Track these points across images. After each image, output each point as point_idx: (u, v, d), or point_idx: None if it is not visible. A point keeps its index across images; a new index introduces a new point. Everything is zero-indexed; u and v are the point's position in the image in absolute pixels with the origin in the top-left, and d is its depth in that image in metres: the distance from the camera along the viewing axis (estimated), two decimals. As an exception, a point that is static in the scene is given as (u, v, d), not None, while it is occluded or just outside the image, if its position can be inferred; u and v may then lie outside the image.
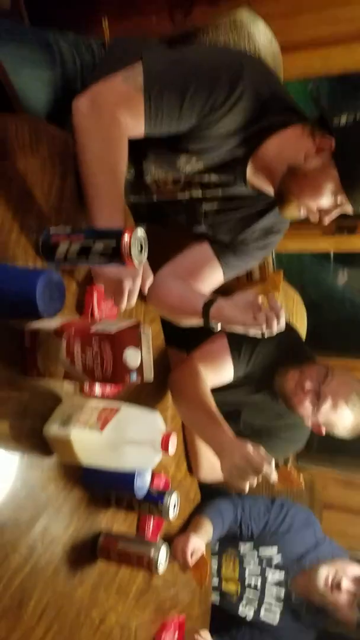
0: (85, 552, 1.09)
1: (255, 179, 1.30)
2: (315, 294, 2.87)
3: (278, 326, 1.15)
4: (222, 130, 1.19)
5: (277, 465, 1.15)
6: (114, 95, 1.09)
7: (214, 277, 1.45)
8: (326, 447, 2.57)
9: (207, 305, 1.23)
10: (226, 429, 1.28)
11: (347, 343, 2.76)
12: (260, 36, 1.47)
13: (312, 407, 1.43)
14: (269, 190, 1.30)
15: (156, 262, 1.26)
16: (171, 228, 1.47)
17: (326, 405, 1.42)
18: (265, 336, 1.17)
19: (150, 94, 1.09)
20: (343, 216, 1.26)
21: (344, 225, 2.12)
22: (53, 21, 1.54)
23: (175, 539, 1.47)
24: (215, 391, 1.44)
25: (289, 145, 1.21)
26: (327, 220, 1.24)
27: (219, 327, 1.23)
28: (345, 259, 2.73)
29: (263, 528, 1.76)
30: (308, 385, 1.44)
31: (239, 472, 1.15)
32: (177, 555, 1.42)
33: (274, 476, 1.13)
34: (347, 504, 2.63)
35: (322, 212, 1.23)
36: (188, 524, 1.58)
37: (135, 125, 1.12)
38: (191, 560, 1.42)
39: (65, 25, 1.43)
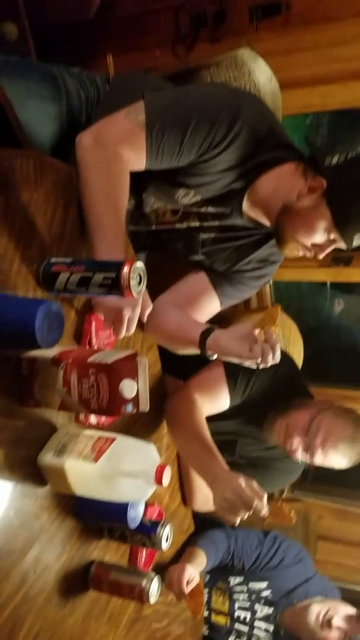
0: (77, 581, 1.09)
1: (252, 212, 1.33)
2: (313, 320, 2.89)
3: (273, 359, 1.16)
4: (220, 166, 1.23)
5: (269, 498, 1.15)
6: (116, 131, 1.12)
7: (210, 306, 1.46)
8: (321, 478, 2.56)
9: (204, 335, 1.24)
10: (220, 460, 1.29)
11: (344, 371, 2.77)
12: (260, 74, 1.51)
13: (305, 456, 1.43)
14: (266, 222, 1.32)
15: (155, 288, 1.28)
16: (170, 256, 1.49)
17: (317, 456, 1.41)
18: (260, 368, 1.18)
19: (151, 130, 1.13)
20: (339, 248, 1.29)
21: (339, 257, 2.15)
22: (59, 55, 1.59)
23: (170, 568, 1.45)
24: (211, 420, 1.45)
25: (283, 182, 1.25)
26: (321, 255, 1.27)
27: (215, 357, 1.25)
28: (342, 286, 2.76)
29: (254, 561, 1.75)
30: (295, 442, 1.42)
31: (230, 506, 1.15)
32: (172, 584, 1.41)
33: (265, 511, 1.13)
34: (342, 536, 2.62)
35: (317, 248, 1.25)
36: (181, 554, 1.57)
37: (137, 160, 1.15)
38: (186, 589, 1.41)
39: (71, 59, 1.47)
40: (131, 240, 1.28)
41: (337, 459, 1.41)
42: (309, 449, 1.41)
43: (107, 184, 1.09)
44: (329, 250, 1.26)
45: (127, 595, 1.14)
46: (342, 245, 1.24)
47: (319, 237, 1.23)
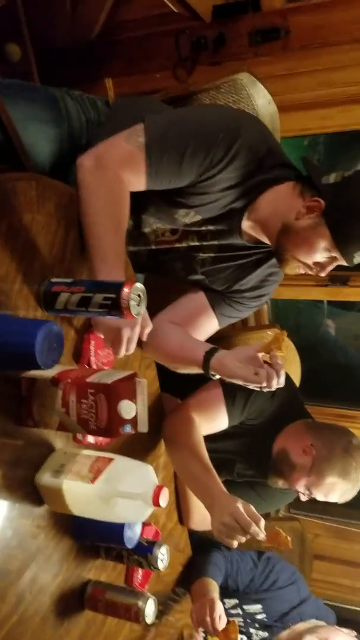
0: (73, 601, 1.09)
1: (252, 231, 1.34)
2: (310, 337, 2.90)
3: (278, 384, 1.16)
4: (220, 185, 1.24)
5: (266, 517, 1.16)
6: (117, 153, 1.14)
7: (208, 325, 1.47)
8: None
9: (208, 355, 1.25)
10: (218, 482, 1.29)
11: (341, 389, 2.76)
12: (259, 97, 1.53)
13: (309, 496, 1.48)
14: (266, 240, 1.33)
15: (153, 308, 1.28)
16: (169, 276, 1.50)
17: (319, 498, 1.47)
18: (264, 390, 1.19)
19: (151, 153, 1.14)
20: (336, 268, 1.30)
21: (336, 276, 2.16)
22: (61, 77, 1.61)
23: (197, 603, 1.43)
24: (210, 440, 1.45)
25: (281, 202, 1.26)
26: (323, 273, 1.28)
27: (217, 377, 1.25)
28: (340, 304, 2.77)
29: (249, 583, 1.74)
30: (301, 493, 1.48)
31: (228, 530, 1.15)
32: (204, 621, 1.37)
33: (262, 536, 1.13)
34: (338, 555, 2.60)
35: (318, 267, 1.26)
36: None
37: (137, 182, 1.16)
38: (219, 625, 1.39)
39: (73, 82, 1.50)
40: (130, 260, 1.29)
41: (337, 498, 1.47)
42: (310, 493, 1.47)
43: (107, 206, 1.10)
44: (331, 267, 1.27)
45: (123, 616, 1.13)
46: (343, 262, 1.25)
47: (320, 256, 1.24)
